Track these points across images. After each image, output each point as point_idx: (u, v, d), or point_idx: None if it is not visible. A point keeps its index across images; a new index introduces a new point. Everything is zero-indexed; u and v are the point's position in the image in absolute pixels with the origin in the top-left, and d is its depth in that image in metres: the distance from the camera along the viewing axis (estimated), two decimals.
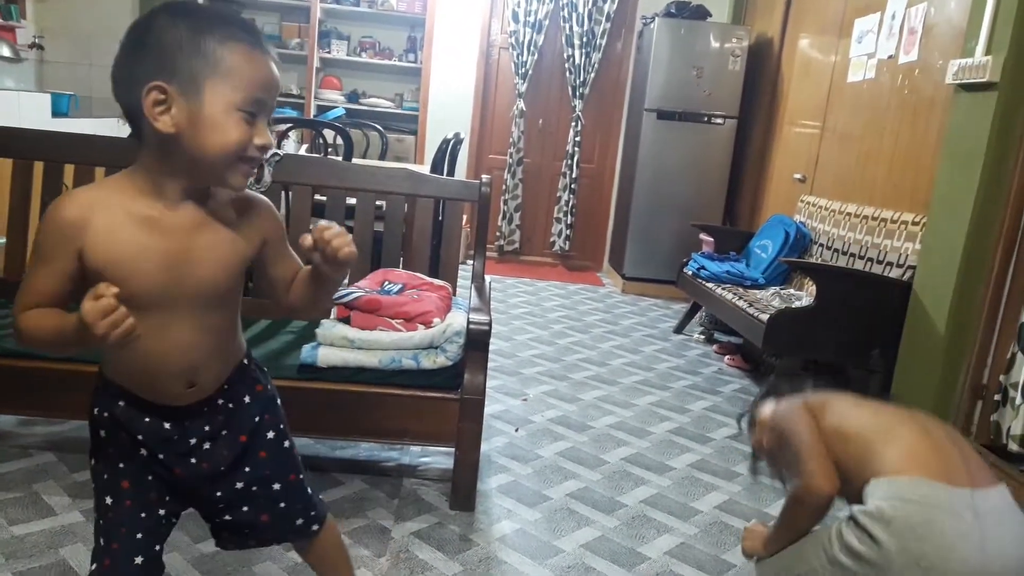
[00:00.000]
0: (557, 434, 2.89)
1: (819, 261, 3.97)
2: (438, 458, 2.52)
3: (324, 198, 2.70)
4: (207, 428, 1.23)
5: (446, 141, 4.35)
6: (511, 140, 6.42)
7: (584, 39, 6.28)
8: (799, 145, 4.96)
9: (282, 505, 1.34)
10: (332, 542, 1.47)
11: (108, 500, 1.19)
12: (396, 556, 1.98)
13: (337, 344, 2.15)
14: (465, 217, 5.36)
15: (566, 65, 6.36)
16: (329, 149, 4.33)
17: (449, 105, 6.37)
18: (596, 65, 6.35)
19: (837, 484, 1.35)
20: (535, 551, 2.08)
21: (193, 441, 1.22)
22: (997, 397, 2.90)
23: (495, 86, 6.53)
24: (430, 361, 2.16)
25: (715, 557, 2.13)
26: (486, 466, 2.53)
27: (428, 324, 2.19)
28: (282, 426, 1.34)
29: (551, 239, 6.59)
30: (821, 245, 4.05)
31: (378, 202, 2.72)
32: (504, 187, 6.44)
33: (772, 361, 3.68)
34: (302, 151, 5.25)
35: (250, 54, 1.05)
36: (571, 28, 6.26)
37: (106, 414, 1.20)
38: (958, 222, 2.97)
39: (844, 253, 3.78)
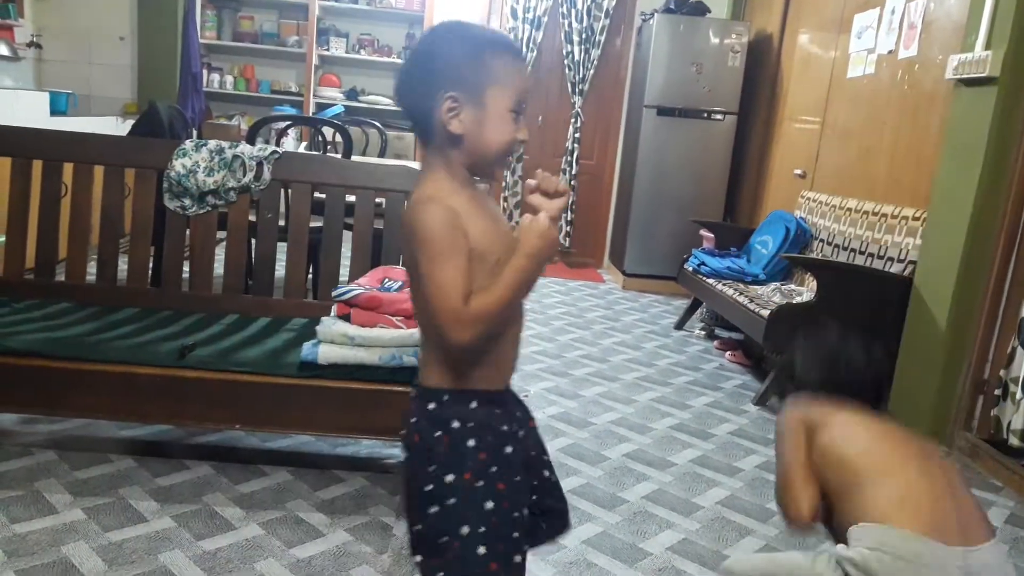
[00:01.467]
0: (558, 430, 2.89)
1: (820, 257, 3.97)
2: None
3: (324, 196, 2.69)
4: (519, 413, 1.31)
5: None
6: None
7: (583, 35, 6.27)
8: (799, 141, 4.96)
9: (559, 488, 1.42)
10: None
11: (489, 505, 1.20)
12: (398, 553, 1.98)
13: (337, 342, 2.14)
14: None
15: (565, 61, 6.35)
16: (328, 147, 4.32)
17: None
18: (595, 61, 6.34)
19: (813, 516, 1.34)
20: (537, 547, 2.07)
21: (517, 429, 1.28)
22: (997, 392, 2.89)
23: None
24: None
25: (717, 552, 2.13)
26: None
27: None
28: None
29: None
30: (822, 241, 4.04)
31: (378, 200, 2.71)
32: (504, 184, 6.44)
33: (773, 357, 3.68)
34: (301, 149, 5.25)
35: (516, 64, 1.22)
36: (570, 24, 6.25)
37: (470, 423, 1.21)
38: (959, 217, 2.97)
39: (845, 248, 3.77)
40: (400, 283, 2.35)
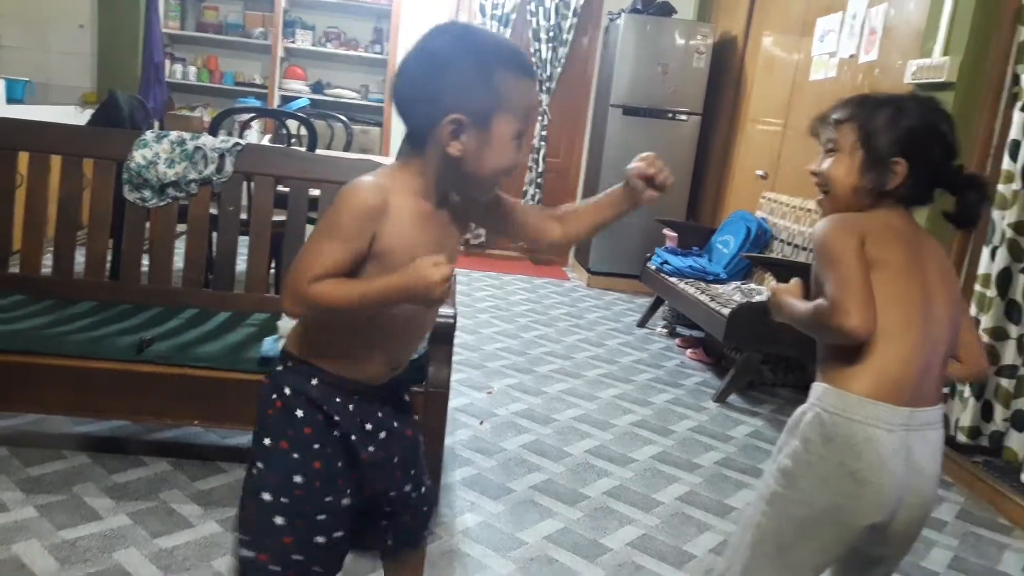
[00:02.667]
0: (521, 427, 2.90)
1: (780, 256, 4.03)
2: None
3: (287, 189, 2.67)
4: (380, 415, 1.27)
5: None
6: None
7: (551, 34, 6.28)
8: (762, 142, 5.02)
9: (424, 509, 1.39)
10: (420, 561, 1.48)
11: (297, 479, 1.20)
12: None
13: None
14: None
15: (532, 59, 6.36)
16: (293, 140, 4.28)
17: None
18: (563, 60, 6.36)
19: (872, 328, 1.23)
20: (498, 543, 2.08)
21: (370, 427, 1.26)
22: (946, 390, 2.96)
23: None
24: None
25: (676, 548, 2.15)
26: (450, 459, 2.53)
27: None
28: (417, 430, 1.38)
29: None
30: (782, 241, 4.10)
31: None
32: None
33: (733, 355, 3.72)
34: (265, 141, 5.19)
35: (526, 86, 1.18)
36: (538, 22, 6.26)
37: (301, 394, 1.21)
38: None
39: (804, 249, 3.83)
40: None
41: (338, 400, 1.22)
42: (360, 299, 1.11)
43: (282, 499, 1.19)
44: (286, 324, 2.14)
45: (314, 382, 1.21)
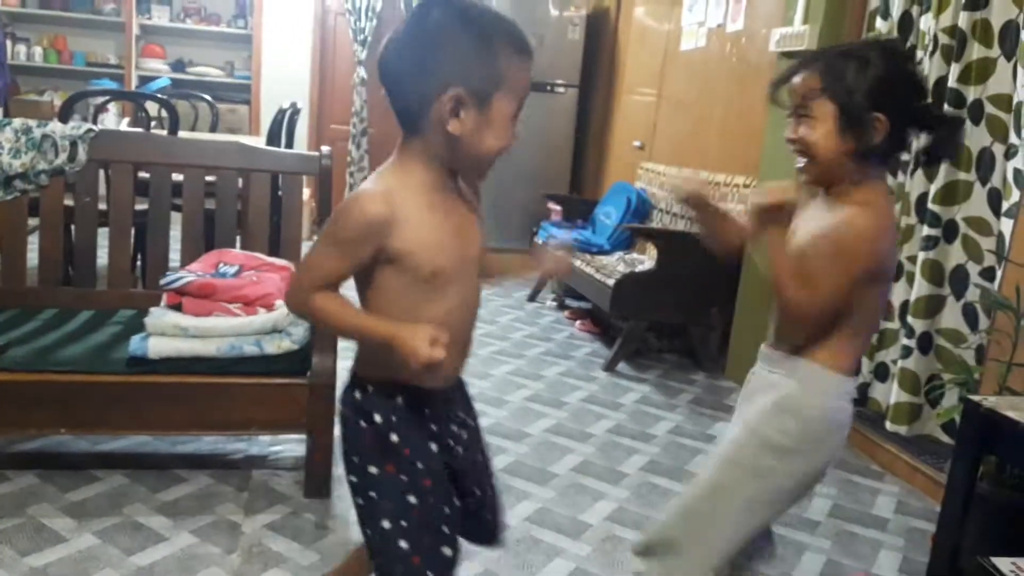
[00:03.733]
0: (478, 411, 2.85)
1: (659, 226, 4.12)
2: (290, 446, 2.43)
3: (148, 175, 2.51)
4: (461, 415, 1.30)
5: (282, 112, 4.16)
6: (354, 110, 6.24)
7: None
8: (637, 113, 5.11)
9: (496, 502, 1.39)
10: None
11: (411, 500, 1.19)
12: (248, 551, 1.89)
13: (169, 333, 2.01)
14: (309, 192, 5.17)
15: None
16: (153, 123, 4.03)
17: (284, 74, 6.10)
18: None
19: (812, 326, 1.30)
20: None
21: (455, 428, 1.28)
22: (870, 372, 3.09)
23: (333, 53, 6.31)
24: (274, 346, 2.06)
25: (573, 519, 2.18)
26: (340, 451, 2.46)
27: (270, 307, 2.08)
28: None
29: None
30: (661, 210, 4.20)
31: (209, 178, 2.56)
32: (349, 159, 6.27)
33: (619, 324, 3.80)
34: (123, 126, 4.87)
35: (525, 67, 1.15)
36: None
37: (393, 417, 1.20)
38: (785, 183, 3.15)
39: (683, 217, 3.93)
40: (237, 267, 2.23)
41: (427, 411, 1.22)
42: (353, 330, 1.15)
43: (402, 523, 1.18)
44: (154, 321, 2.02)
45: (399, 401, 1.20)
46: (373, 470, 1.19)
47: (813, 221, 1.35)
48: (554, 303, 4.67)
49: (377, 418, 1.19)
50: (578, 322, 4.29)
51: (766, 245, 1.34)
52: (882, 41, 1.38)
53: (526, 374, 3.38)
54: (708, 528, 1.37)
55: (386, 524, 1.18)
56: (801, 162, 1.35)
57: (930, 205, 2.59)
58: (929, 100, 1.35)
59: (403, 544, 1.18)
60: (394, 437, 1.19)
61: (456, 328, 1.18)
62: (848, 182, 1.31)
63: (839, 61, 1.29)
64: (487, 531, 1.39)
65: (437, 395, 1.24)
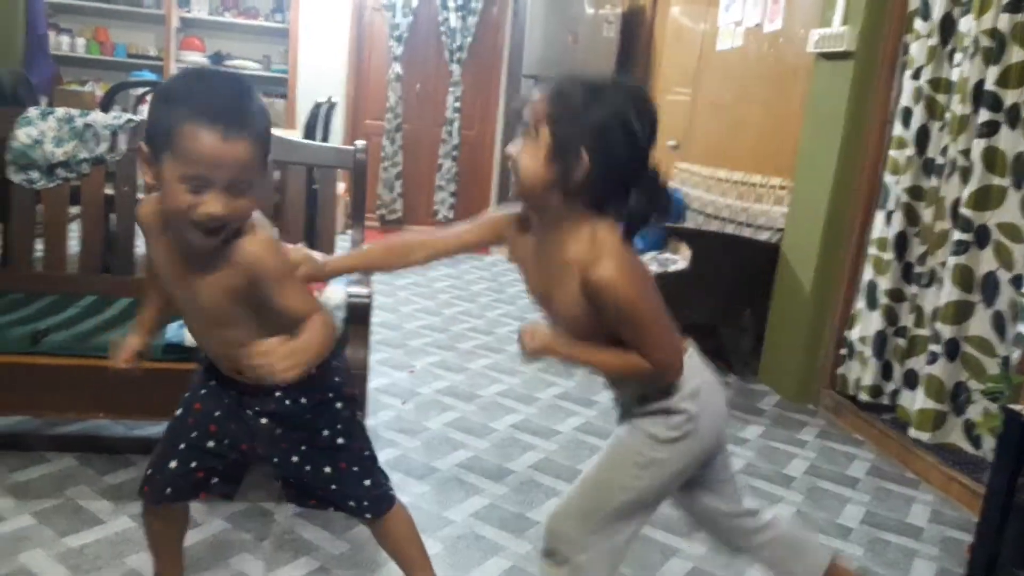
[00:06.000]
0: (445, 404, 2.87)
1: (693, 227, 4.09)
2: None
3: None
4: (259, 408, 1.45)
5: (318, 106, 4.19)
6: (388, 105, 6.27)
7: (459, 2, 6.18)
8: (672, 112, 5.08)
9: (333, 487, 1.52)
10: (394, 532, 1.59)
11: (177, 412, 1.50)
12: (280, 538, 1.91)
13: None
14: (344, 186, 5.21)
15: (441, 29, 6.25)
16: None
17: (321, 68, 6.15)
18: (473, 29, 6.27)
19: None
20: (424, 524, 2.05)
21: (250, 412, 1.46)
22: (844, 351, 3.08)
23: (369, 49, 6.35)
24: None
25: None
26: (373, 441, 2.45)
27: None
28: (339, 426, 1.51)
29: (434, 207, 6.52)
30: (695, 211, 4.17)
31: None
32: (383, 154, 6.31)
33: None
34: None
35: (200, 134, 1.17)
36: None
37: (198, 372, 1.53)
38: (821, 186, 3.12)
39: (716, 218, 3.91)
40: None
41: (200, 373, 1.52)
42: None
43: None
44: None
45: (201, 356, 1.52)
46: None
47: (547, 264, 1.33)
48: None
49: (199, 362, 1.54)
50: None
51: (585, 362, 1.36)
52: (627, 85, 1.29)
53: (558, 372, 3.38)
54: (583, 519, 1.38)
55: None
56: (514, 179, 1.30)
57: (962, 209, 2.55)
58: (647, 161, 1.27)
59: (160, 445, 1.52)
60: (203, 373, 1.50)
61: (204, 333, 1.43)
62: (556, 214, 1.28)
63: (574, 91, 1.23)
64: (292, 495, 1.57)
65: (216, 373, 1.47)
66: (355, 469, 1.53)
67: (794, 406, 3.24)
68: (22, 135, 2.38)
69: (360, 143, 2.60)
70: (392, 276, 4.81)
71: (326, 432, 1.50)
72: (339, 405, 1.52)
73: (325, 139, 4.33)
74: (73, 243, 2.57)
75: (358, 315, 2.10)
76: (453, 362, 3.35)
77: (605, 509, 1.37)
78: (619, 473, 1.39)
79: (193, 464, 1.48)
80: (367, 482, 1.54)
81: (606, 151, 1.22)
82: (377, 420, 2.65)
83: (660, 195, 1.29)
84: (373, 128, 6.38)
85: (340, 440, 1.52)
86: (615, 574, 1.41)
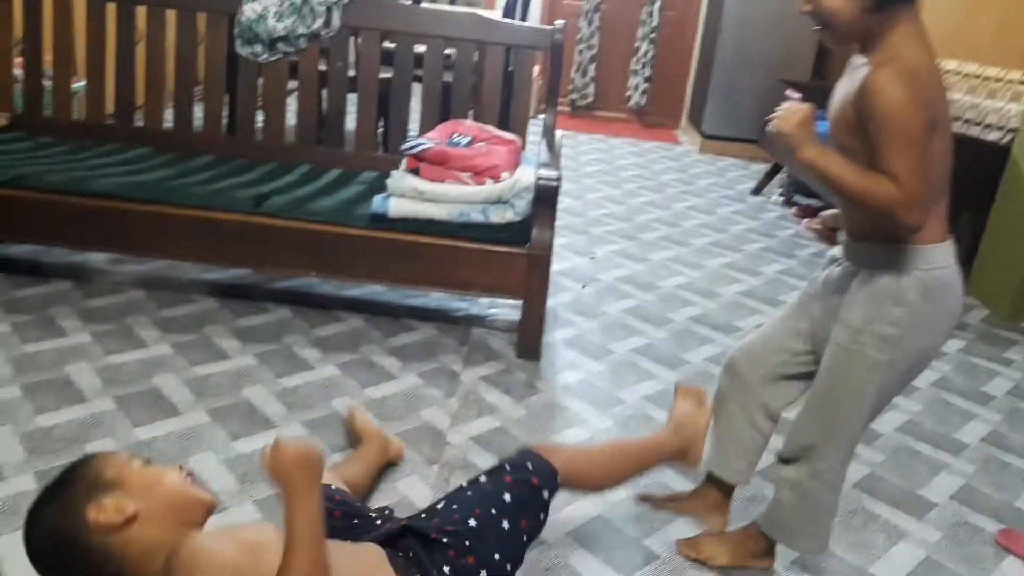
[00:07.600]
0: (624, 292, 2.90)
1: None
2: (505, 310, 2.57)
3: (393, 45, 2.64)
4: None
5: None
6: None
7: None
8: None
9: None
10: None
11: None
12: (465, 398, 2.06)
13: (408, 195, 2.16)
14: (537, 69, 5.20)
15: None
16: None
17: None
18: None
19: (923, 224, 1.23)
20: (598, 400, 2.13)
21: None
22: None
23: None
24: (498, 216, 2.16)
25: None
26: (552, 319, 2.57)
27: (497, 178, 2.17)
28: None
29: (627, 93, 6.36)
30: None
31: (448, 51, 2.64)
32: (579, 36, 6.18)
33: None
34: None
35: None
36: None
37: None
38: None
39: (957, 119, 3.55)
40: (470, 138, 2.33)
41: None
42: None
43: None
44: (395, 183, 2.17)
45: None
46: None
47: (843, 88, 1.35)
48: (780, 199, 4.45)
49: None
50: (806, 220, 4.07)
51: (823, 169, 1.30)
52: None
53: (742, 268, 3.30)
54: (839, 427, 1.42)
55: None
56: (817, 29, 1.33)
57: None
58: None
59: None
60: None
61: None
62: (876, 35, 1.26)
63: None
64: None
65: None
66: None
67: (1004, 323, 2.98)
68: (248, 10, 2.56)
69: (559, 23, 2.58)
70: (578, 163, 4.81)
71: None
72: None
73: (523, 19, 4.31)
74: (290, 115, 2.78)
75: (545, 198, 2.15)
76: (634, 251, 3.35)
77: (840, 419, 1.41)
78: (847, 380, 1.39)
79: None
80: None
81: None
82: (557, 300, 2.73)
83: None
84: (571, 9, 6.24)
85: None
86: (850, 460, 1.47)
